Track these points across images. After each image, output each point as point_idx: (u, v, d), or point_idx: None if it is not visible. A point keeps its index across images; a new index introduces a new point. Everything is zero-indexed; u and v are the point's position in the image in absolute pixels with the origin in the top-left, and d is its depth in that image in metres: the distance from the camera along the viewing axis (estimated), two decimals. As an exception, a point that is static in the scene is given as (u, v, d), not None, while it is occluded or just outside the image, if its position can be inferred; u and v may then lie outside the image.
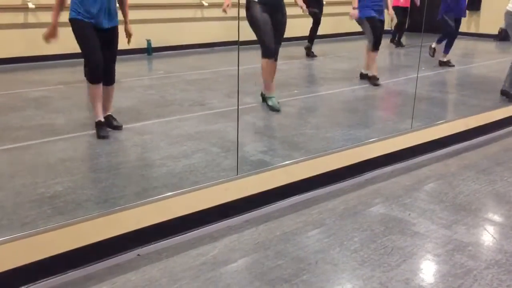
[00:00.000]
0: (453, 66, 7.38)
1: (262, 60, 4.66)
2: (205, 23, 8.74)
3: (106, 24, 3.78)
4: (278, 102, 4.78)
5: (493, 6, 10.36)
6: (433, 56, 7.41)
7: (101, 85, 3.90)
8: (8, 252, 2.11)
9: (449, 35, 7.09)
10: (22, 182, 3.03)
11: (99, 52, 3.77)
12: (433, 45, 7.40)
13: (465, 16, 7.33)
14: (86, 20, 3.71)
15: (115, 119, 4.11)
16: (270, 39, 4.58)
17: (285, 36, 7.74)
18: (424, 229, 2.71)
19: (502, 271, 2.32)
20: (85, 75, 3.81)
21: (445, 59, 7.41)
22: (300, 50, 8.24)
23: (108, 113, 4.11)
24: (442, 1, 7.08)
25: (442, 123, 4.15)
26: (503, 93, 5.16)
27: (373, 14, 5.78)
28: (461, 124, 4.17)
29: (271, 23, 4.59)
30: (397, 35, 9.52)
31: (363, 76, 6.23)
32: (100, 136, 3.86)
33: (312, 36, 8.10)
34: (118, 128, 4.06)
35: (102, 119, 3.96)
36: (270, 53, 4.62)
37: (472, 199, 3.10)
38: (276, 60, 4.78)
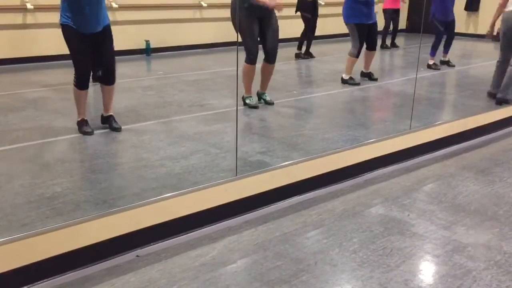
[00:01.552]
0: (453, 66, 7.39)
1: (244, 64, 4.74)
2: (204, 24, 8.74)
3: (95, 29, 3.79)
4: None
5: (492, 7, 10.37)
6: (438, 68, 7.39)
7: (87, 91, 3.95)
8: (6, 253, 2.10)
9: (438, 38, 7.17)
10: (21, 182, 3.03)
11: (86, 60, 3.83)
12: (430, 62, 7.38)
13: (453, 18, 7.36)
14: (75, 26, 3.71)
15: (115, 121, 4.10)
16: (254, 45, 4.67)
17: (285, 37, 7.77)
18: (423, 230, 2.71)
19: (502, 271, 2.32)
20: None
21: (446, 59, 7.44)
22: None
23: (109, 114, 4.11)
24: (432, 3, 7.13)
25: (440, 124, 4.16)
26: (500, 101, 4.99)
27: (362, 20, 5.81)
28: (460, 124, 4.17)
29: (259, 29, 4.67)
30: (388, 37, 9.56)
31: (364, 75, 6.34)
32: (85, 132, 3.93)
33: (301, 40, 8.09)
34: (117, 130, 4.05)
35: (85, 118, 4.01)
36: (253, 59, 4.70)
37: (471, 200, 3.10)
38: (273, 62, 4.85)
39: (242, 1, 4.57)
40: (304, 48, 8.10)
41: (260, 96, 5.02)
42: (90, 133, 3.94)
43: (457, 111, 5.28)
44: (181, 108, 4.87)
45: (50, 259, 2.19)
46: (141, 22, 7.97)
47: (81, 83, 3.88)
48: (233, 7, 4.71)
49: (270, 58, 4.80)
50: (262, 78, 4.96)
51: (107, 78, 4.00)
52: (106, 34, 3.87)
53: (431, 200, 3.10)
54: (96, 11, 3.74)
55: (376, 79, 6.26)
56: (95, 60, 3.92)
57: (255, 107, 4.84)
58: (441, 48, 7.36)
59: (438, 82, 6.76)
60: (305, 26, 7.96)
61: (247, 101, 4.89)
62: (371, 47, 6.11)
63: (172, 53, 8.29)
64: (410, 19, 11.97)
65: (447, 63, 7.45)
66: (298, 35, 8.19)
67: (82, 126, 3.99)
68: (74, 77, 3.88)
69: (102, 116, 4.15)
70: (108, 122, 4.08)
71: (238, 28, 4.54)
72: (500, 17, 5.14)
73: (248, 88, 4.90)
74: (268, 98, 4.99)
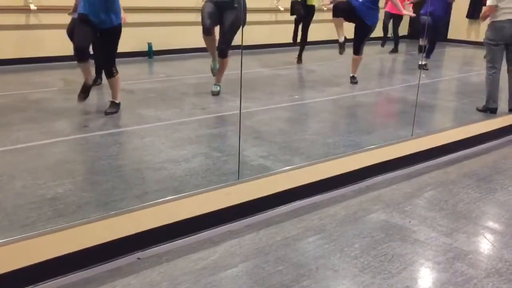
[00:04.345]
0: (427, 69, 7.58)
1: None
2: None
3: (103, 22, 4.24)
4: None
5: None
6: (427, 69, 7.53)
7: (88, 62, 4.47)
8: (8, 254, 2.10)
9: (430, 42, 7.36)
10: (22, 183, 3.03)
11: (84, 37, 4.28)
12: (423, 62, 7.48)
13: (440, 24, 7.49)
14: (85, 12, 4.23)
15: (111, 106, 4.63)
16: (206, 21, 5.17)
17: (283, 42, 7.76)
18: (425, 236, 2.71)
19: (503, 279, 2.32)
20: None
21: (423, 62, 7.56)
22: (303, 55, 8.24)
23: (112, 99, 4.68)
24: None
25: (442, 131, 4.16)
26: None
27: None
28: (461, 132, 4.18)
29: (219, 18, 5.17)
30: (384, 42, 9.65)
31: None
32: (79, 94, 4.54)
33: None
34: (107, 114, 4.55)
35: (89, 84, 4.55)
36: (205, 32, 5.25)
37: (473, 207, 3.10)
38: (224, 57, 5.29)
39: None
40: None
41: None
42: (82, 98, 4.57)
43: (458, 118, 5.29)
44: (183, 111, 4.87)
45: (51, 261, 2.19)
46: (144, 24, 7.98)
47: (77, 55, 4.33)
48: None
49: (220, 53, 5.26)
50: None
51: (106, 73, 4.60)
52: (112, 34, 4.31)
53: (432, 207, 3.10)
54: (105, 5, 4.18)
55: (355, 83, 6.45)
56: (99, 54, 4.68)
57: (215, 94, 5.43)
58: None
59: (439, 89, 6.77)
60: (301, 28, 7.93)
61: (213, 88, 5.52)
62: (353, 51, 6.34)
63: (174, 56, 8.31)
64: (411, 26, 12.00)
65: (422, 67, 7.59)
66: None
67: (82, 89, 4.53)
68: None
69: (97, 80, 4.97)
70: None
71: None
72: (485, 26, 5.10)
73: (214, 56, 5.53)
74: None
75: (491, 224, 2.91)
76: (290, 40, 8.13)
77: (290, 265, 2.38)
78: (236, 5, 5.08)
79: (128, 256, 2.39)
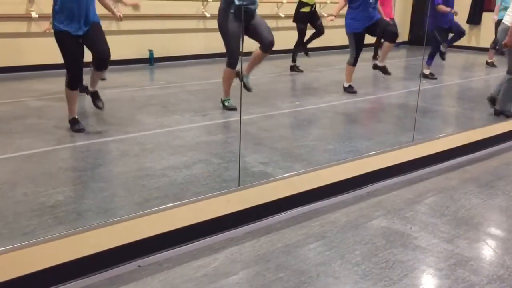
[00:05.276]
0: (436, 79, 7.39)
1: (225, 69, 4.99)
2: (207, 34, 8.78)
3: (85, 28, 4.00)
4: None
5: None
6: (435, 78, 7.43)
7: (78, 91, 4.25)
8: (8, 262, 2.10)
9: (434, 48, 7.21)
10: (23, 191, 3.03)
11: (78, 62, 4.07)
12: (427, 72, 7.36)
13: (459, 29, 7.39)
14: (67, 29, 3.94)
15: (99, 99, 4.48)
16: (237, 49, 4.83)
17: (285, 48, 7.76)
18: (426, 243, 2.70)
19: (505, 286, 2.30)
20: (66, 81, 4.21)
21: (428, 72, 7.39)
22: (302, 61, 8.26)
23: (95, 90, 4.49)
24: (430, 15, 7.19)
25: (443, 137, 4.16)
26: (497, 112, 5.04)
27: (359, 29, 5.91)
28: (462, 137, 4.17)
29: (248, 30, 4.80)
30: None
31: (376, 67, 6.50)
32: (77, 129, 4.20)
33: (295, 52, 7.95)
34: (99, 108, 4.45)
35: (76, 116, 4.29)
36: (234, 64, 4.93)
37: (474, 213, 3.09)
38: (269, 51, 4.89)
39: (228, 6, 4.72)
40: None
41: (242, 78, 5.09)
42: (82, 131, 4.19)
43: (459, 124, 5.29)
44: (184, 117, 4.88)
45: (52, 268, 2.18)
46: (145, 31, 8.02)
47: (73, 84, 4.13)
48: (220, 14, 4.86)
49: (267, 48, 4.84)
50: (251, 64, 5.07)
51: (102, 65, 4.19)
52: (96, 28, 4.04)
53: (433, 213, 3.09)
54: (85, 12, 3.96)
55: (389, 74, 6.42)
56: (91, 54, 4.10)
57: (233, 109, 5.04)
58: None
59: (440, 95, 6.77)
60: (298, 37, 7.79)
61: (226, 103, 5.13)
62: (387, 38, 6.09)
63: (175, 63, 8.33)
64: (412, 32, 12.05)
65: (428, 76, 7.39)
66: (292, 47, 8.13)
67: (74, 124, 4.24)
68: (66, 78, 4.11)
69: (87, 89, 4.59)
70: (93, 97, 4.49)
71: (222, 31, 4.83)
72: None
73: (227, 92, 5.13)
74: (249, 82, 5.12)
75: (492, 230, 2.90)
76: (291, 47, 8.12)
77: (291, 272, 2.37)
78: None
79: (129, 263, 2.38)
